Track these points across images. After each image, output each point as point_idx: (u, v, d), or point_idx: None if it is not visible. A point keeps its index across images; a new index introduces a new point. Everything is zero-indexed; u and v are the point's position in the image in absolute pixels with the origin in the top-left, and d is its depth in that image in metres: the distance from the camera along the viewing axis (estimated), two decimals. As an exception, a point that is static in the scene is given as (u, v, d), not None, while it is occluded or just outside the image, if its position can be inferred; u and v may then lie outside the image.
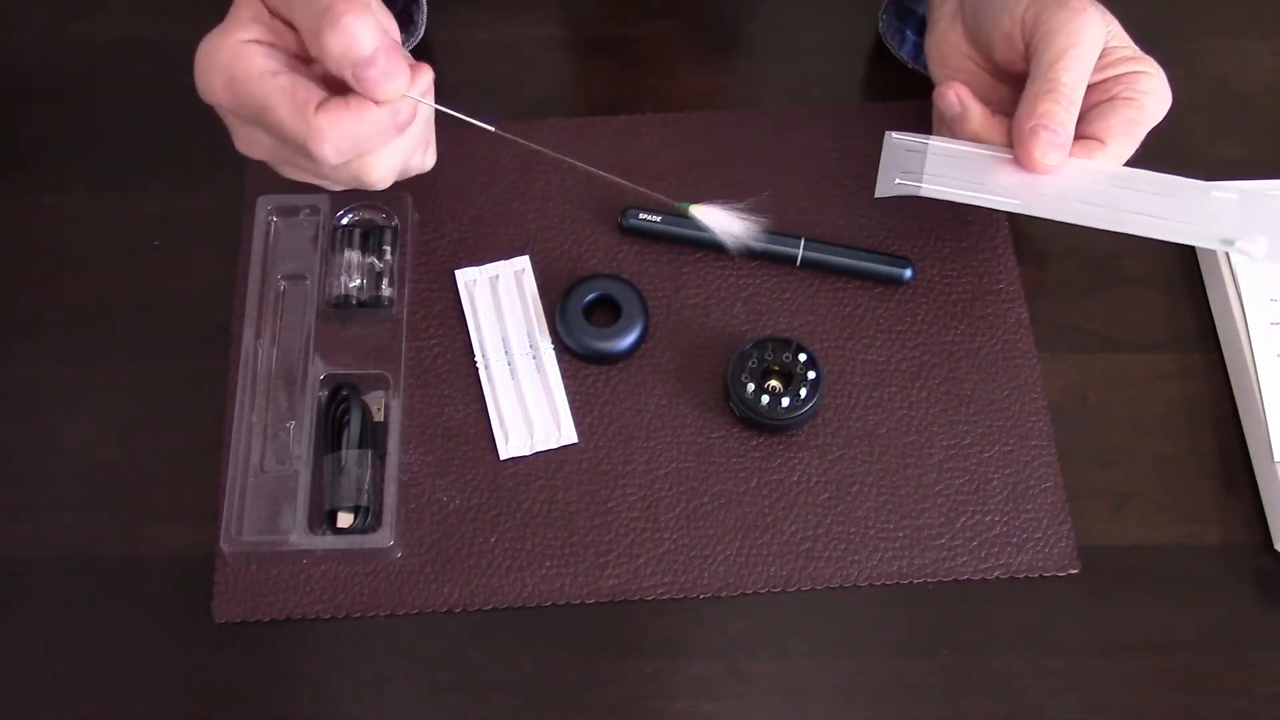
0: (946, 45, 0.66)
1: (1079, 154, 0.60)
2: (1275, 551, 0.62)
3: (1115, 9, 0.78)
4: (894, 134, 0.63)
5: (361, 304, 0.65)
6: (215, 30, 0.54)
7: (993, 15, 0.62)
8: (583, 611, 0.61)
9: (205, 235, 0.69)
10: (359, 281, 0.66)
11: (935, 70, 0.67)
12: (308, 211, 0.67)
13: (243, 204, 0.68)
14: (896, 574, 0.62)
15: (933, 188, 0.61)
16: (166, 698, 0.60)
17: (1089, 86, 0.61)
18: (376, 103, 0.53)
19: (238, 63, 0.53)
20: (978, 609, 0.62)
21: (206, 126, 0.71)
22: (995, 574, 0.62)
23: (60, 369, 0.66)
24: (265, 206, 0.67)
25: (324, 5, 0.52)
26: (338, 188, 0.60)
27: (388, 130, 0.55)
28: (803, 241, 0.67)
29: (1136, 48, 0.62)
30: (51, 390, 0.65)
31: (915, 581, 0.62)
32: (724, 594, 0.62)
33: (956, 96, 0.62)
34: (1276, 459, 0.62)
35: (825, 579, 0.62)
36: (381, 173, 0.57)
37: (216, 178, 0.70)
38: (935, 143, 0.62)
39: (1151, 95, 0.61)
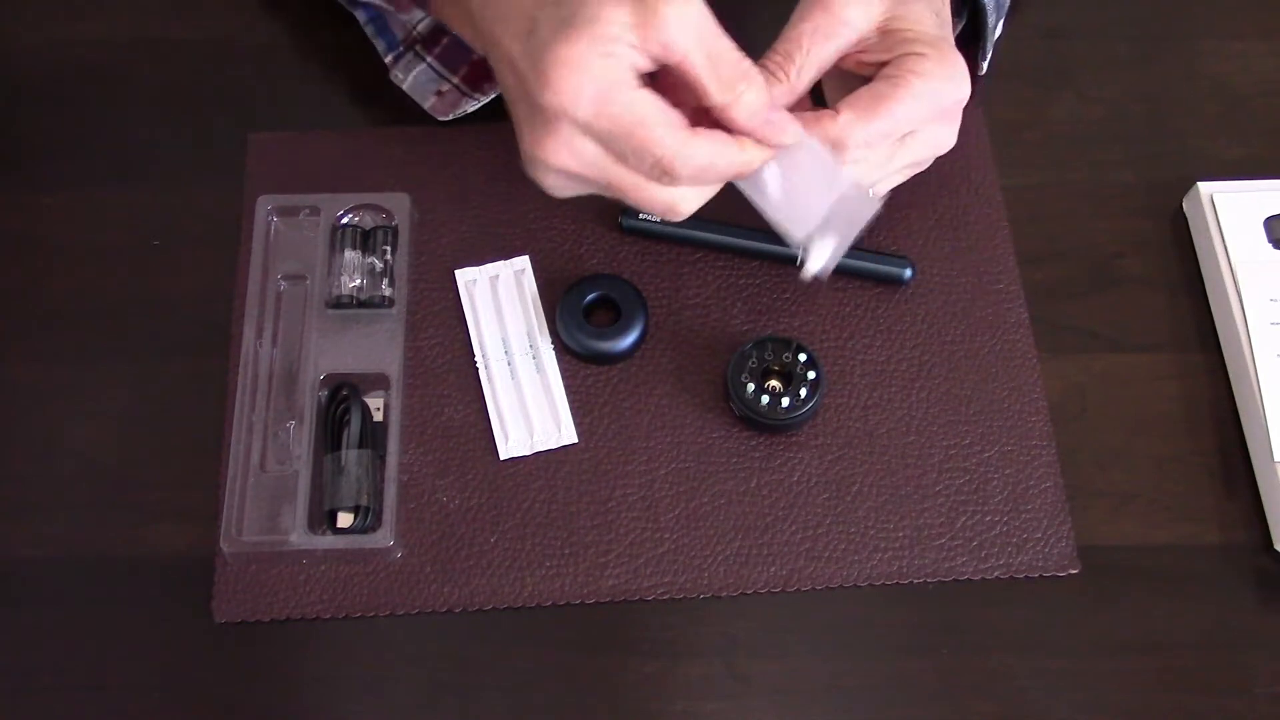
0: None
1: (809, 122, 0.58)
2: (1275, 551, 0.62)
3: (1117, 9, 0.78)
4: None
5: (361, 304, 0.65)
6: (578, 36, 0.52)
7: None
8: (583, 611, 0.61)
9: (205, 235, 0.69)
10: (359, 281, 0.66)
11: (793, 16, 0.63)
12: (308, 211, 0.67)
13: (243, 204, 0.68)
14: (896, 574, 0.62)
15: None
16: (166, 698, 0.60)
17: (867, 64, 0.60)
18: (770, 146, 0.55)
19: (609, 75, 0.52)
20: (978, 609, 0.62)
21: (207, 126, 0.72)
22: (995, 574, 0.62)
23: (60, 369, 0.66)
24: (265, 206, 0.67)
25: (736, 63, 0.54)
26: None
27: (737, 170, 0.56)
28: (803, 241, 0.67)
29: (939, 33, 0.60)
30: (51, 390, 0.65)
31: (915, 581, 0.62)
32: (724, 594, 0.62)
33: None
34: (1277, 459, 0.62)
35: (825, 579, 0.62)
36: (692, 207, 0.57)
37: (216, 178, 0.70)
38: None
39: (920, 77, 0.58)
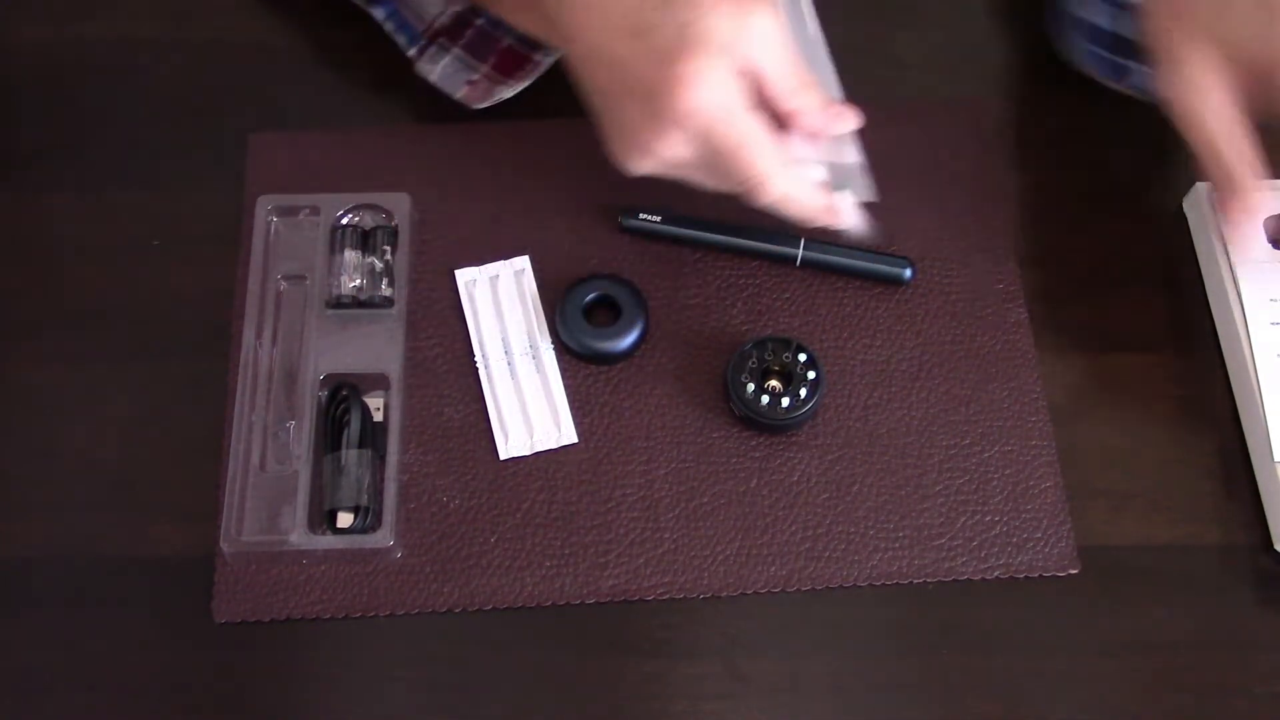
0: None
1: None
2: (1275, 551, 0.62)
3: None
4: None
5: (361, 304, 0.65)
6: (706, 50, 0.55)
7: None
8: (583, 611, 0.61)
9: (205, 235, 0.69)
10: (359, 281, 0.66)
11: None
12: (308, 211, 0.67)
13: (243, 204, 0.68)
14: (896, 574, 0.62)
15: None
16: (166, 698, 0.60)
17: None
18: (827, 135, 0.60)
19: (733, 94, 0.56)
20: (978, 609, 0.62)
21: (207, 126, 0.72)
22: (995, 574, 0.62)
23: (60, 369, 0.66)
24: (265, 206, 0.67)
25: None
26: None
27: (810, 215, 0.61)
28: (803, 241, 0.67)
29: None
30: (51, 390, 0.65)
31: (915, 581, 0.62)
32: (724, 594, 0.62)
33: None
34: (1276, 459, 0.62)
35: (825, 579, 0.62)
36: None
37: (216, 178, 0.70)
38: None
39: None
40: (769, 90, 0.58)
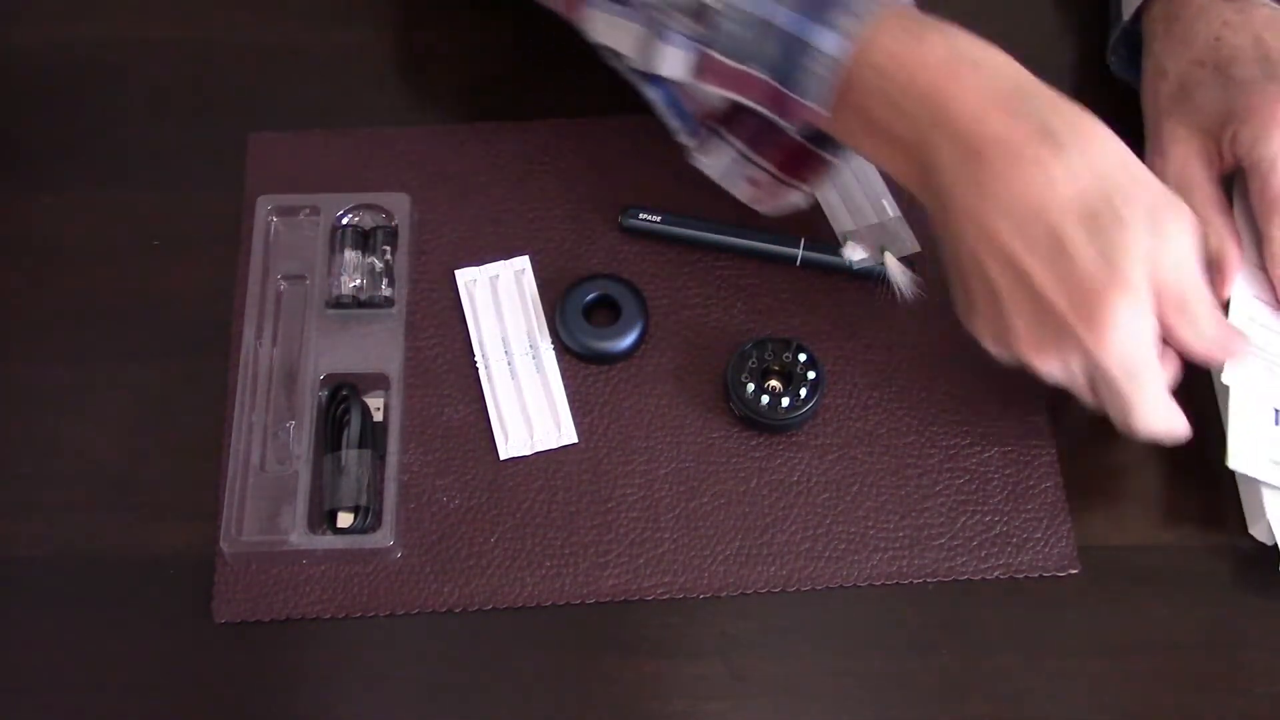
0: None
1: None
2: (1267, 546, 0.62)
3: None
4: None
5: (361, 304, 0.65)
6: (1124, 292, 0.53)
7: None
8: (583, 611, 0.61)
9: (205, 235, 0.69)
10: (359, 281, 0.66)
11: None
12: (308, 211, 0.67)
13: (243, 204, 0.68)
14: (896, 574, 0.62)
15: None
16: (166, 698, 0.60)
17: None
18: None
19: (1145, 332, 0.56)
20: (978, 609, 0.62)
21: (207, 126, 0.72)
22: (995, 574, 0.62)
23: (60, 369, 0.66)
24: (265, 206, 0.67)
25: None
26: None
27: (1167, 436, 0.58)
28: (803, 241, 0.67)
29: None
30: (52, 390, 0.65)
31: (915, 581, 0.62)
32: (724, 594, 0.62)
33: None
34: (1230, 464, 0.61)
35: (825, 579, 0.62)
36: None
37: (216, 178, 0.70)
38: None
39: None
40: (1167, 311, 0.55)
